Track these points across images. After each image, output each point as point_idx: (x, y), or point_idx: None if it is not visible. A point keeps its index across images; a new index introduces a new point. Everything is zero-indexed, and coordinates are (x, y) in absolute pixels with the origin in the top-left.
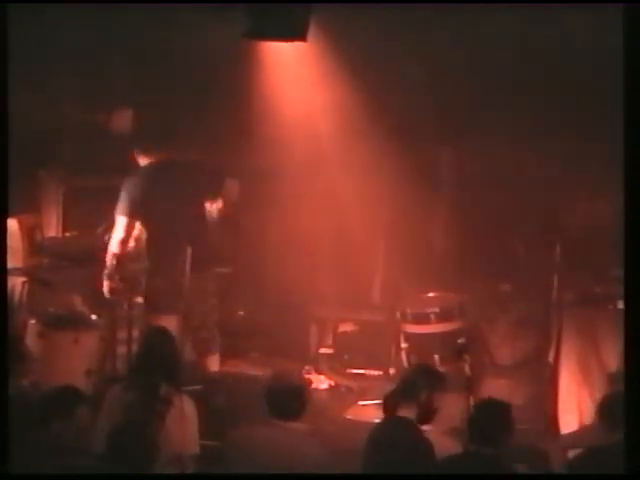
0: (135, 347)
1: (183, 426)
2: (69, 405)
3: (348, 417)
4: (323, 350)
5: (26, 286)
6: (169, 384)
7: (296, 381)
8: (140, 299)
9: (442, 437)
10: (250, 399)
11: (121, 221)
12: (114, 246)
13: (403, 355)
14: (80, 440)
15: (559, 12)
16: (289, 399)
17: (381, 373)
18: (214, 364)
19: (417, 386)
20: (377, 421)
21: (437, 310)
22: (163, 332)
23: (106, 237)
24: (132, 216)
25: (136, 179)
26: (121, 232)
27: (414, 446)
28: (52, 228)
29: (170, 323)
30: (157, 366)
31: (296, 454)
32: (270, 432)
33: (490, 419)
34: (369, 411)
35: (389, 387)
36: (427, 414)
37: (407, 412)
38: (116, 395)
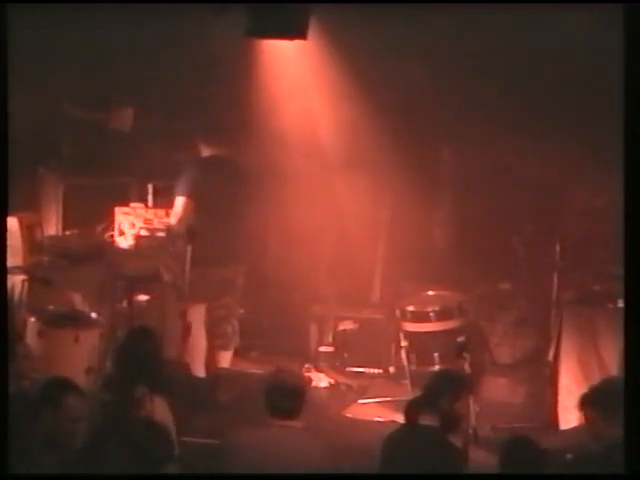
0: (118, 346)
1: None
2: (58, 396)
3: (348, 415)
4: (323, 348)
5: (26, 284)
6: (145, 386)
7: (294, 380)
8: (142, 297)
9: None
10: (252, 397)
11: (180, 201)
12: (173, 221)
13: (403, 353)
14: (70, 431)
15: (559, 12)
16: (287, 398)
17: (381, 371)
18: (225, 361)
19: (442, 393)
20: (397, 428)
21: (437, 308)
22: (145, 333)
23: (107, 235)
24: (191, 197)
25: (200, 164)
26: (180, 210)
27: (442, 456)
28: (52, 226)
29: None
30: (136, 367)
31: (295, 453)
32: (269, 432)
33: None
34: (369, 410)
35: (389, 386)
36: (452, 421)
37: (430, 420)
38: (95, 394)
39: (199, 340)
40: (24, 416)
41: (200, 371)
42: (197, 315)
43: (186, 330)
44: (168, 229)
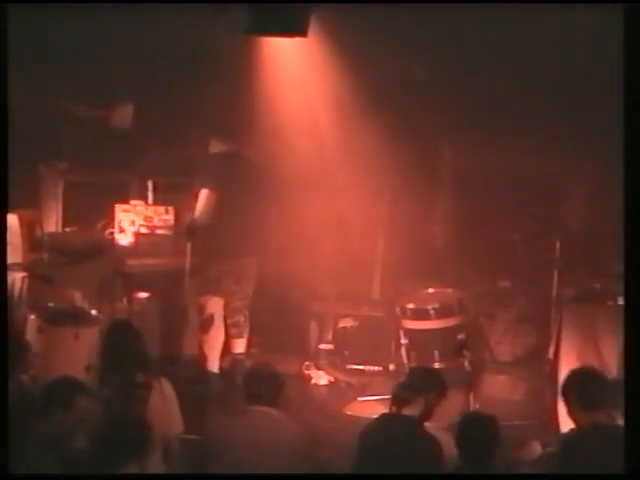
0: (102, 343)
1: (166, 407)
2: (69, 396)
3: (348, 413)
4: (323, 346)
5: (26, 281)
6: (144, 371)
7: (269, 368)
8: (142, 294)
9: (441, 433)
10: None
11: (204, 193)
12: (196, 215)
13: (403, 351)
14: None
15: (559, 12)
16: (264, 384)
17: (381, 369)
18: (241, 347)
19: (425, 386)
20: (374, 417)
21: (437, 306)
22: (125, 325)
23: (106, 233)
24: (214, 190)
25: (220, 158)
26: (204, 203)
27: (421, 444)
28: (52, 223)
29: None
30: (127, 357)
31: (272, 439)
32: (247, 420)
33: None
34: (369, 407)
35: (389, 383)
36: (428, 414)
37: (411, 410)
38: (95, 391)
39: (219, 334)
40: (26, 415)
41: (215, 365)
42: (217, 308)
43: (208, 323)
44: (189, 223)
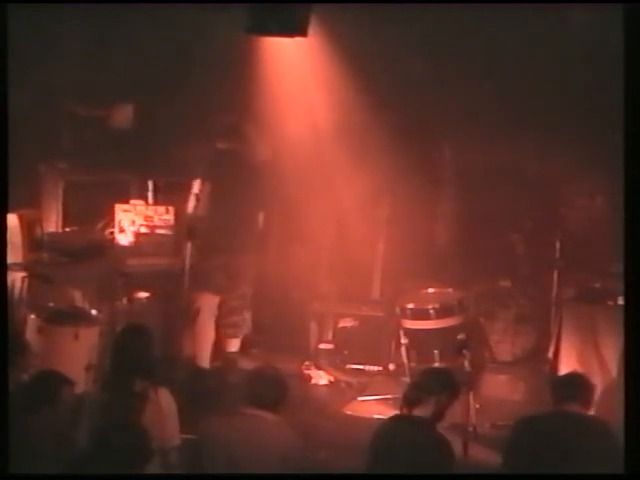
0: (111, 346)
1: (161, 419)
2: (55, 389)
3: (348, 413)
4: (323, 346)
5: (26, 281)
6: (144, 380)
7: (276, 373)
8: (142, 294)
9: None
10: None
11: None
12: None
13: (403, 351)
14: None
15: (559, 11)
16: (266, 389)
17: (381, 369)
18: (234, 347)
19: (437, 387)
20: (386, 418)
21: (437, 306)
22: (138, 330)
23: (107, 233)
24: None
25: (220, 157)
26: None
27: (433, 446)
28: (52, 223)
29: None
30: (132, 364)
31: (268, 444)
32: (243, 423)
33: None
34: (369, 407)
35: (389, 383)
36: (440, 415)
37: (423, 411)
38: (94, 395)
39: (206, 329)
40: (25, 414)
41: (205, 361)
42: (206, 303)
43: (194, 317)
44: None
